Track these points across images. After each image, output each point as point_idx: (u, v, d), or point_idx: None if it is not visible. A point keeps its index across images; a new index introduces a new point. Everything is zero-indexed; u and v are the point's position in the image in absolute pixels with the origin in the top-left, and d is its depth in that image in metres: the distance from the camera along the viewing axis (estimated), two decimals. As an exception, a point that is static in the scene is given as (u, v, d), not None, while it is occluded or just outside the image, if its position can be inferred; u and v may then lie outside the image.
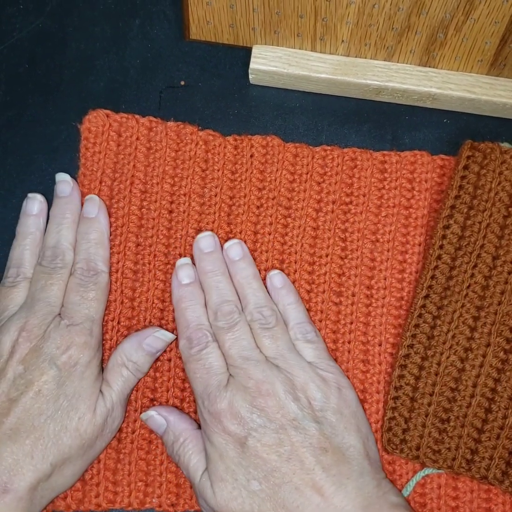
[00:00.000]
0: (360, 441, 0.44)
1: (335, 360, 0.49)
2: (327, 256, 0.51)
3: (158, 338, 0.47)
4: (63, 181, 0.50)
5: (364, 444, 0.45)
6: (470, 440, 0.47)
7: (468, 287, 0.48)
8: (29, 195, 0.50)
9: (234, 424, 0.43)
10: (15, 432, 0.42)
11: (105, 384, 0.46)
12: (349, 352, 0.50)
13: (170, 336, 0.47)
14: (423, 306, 0.48)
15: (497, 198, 0.49)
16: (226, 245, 0.49)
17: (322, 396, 0.45)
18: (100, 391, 0.45)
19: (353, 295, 0.50)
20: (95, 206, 0.49)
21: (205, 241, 0.49)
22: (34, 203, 0.49)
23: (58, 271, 0.47)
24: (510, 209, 0.49)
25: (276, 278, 0.49)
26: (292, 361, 0.45)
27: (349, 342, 0.50)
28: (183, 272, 0.48)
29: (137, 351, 0.47)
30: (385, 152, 0.52)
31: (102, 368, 0.47)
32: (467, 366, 0.47)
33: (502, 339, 0.47)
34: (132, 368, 0.46)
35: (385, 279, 0.50)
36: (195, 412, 0.48)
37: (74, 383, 0.44)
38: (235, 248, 0.49)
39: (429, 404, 0.47)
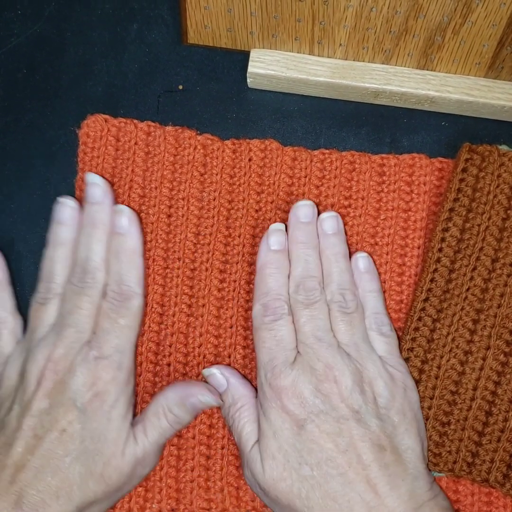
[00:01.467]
0: (419, 444, 0.44)
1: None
2: (326, 259, 0.51)
3: (202, 402, 0.45)
4: (94, 184, 0.47)
5: (422, 448, 0.44)
6: (471, 443, 0.47)
7: (467, 290, 0.48)
8: (60, 200, 0.47)
9: (295, 404, 0.42)
10: (40, 471, 0.41)
11: (141, 430, 0.44)
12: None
13: (213, 403, 0.45)
14: (423, 309, 0.48)
15: (496, 201, 0.49)
16: (322, 216, 0.47)
17: (388, 394, 0.43)
18: (134, 437, 0.43)
19: (353, 298, 0.50)
20: (126, 219, 0.46)
21: (304, 210, 0.47)
22: (65, 210, 0.47)
23: (87, 291, 0.44)
24: (508, 211, 0.49)
25: (362, 260, 0.47)
26: (364, 353, 0.44)
27: (348, 346, 0.50)
28: (275, 237, 0.47)
29: (180, 407, 0.44)
30: (383, 155, 0.52)
31: (132, 403, 0.45)
32: (467, 369, 0.47)
33: (502, 342, 0.47)
34: (171, 420, 0.44)
35: (384, 282, 0.50)
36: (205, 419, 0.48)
37: (100, 425, 0.42)
38: (330, 221, 0.47)
39: (429, 408, 0.47)
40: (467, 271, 0.48)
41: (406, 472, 0.42)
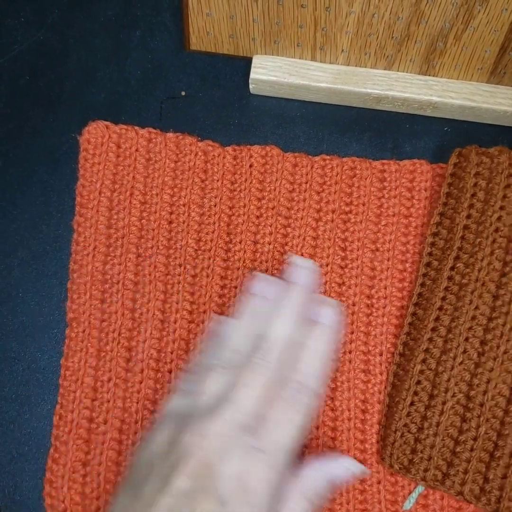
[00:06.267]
0: None
1: (336, 370, 0.49)
2: (327, 265, 0.51)
3: (349, 470, 0.41)
4: (303, 267, 0.45)
5: None
6: (446, 450, 0.46)
7: (443, 298, 0.48)
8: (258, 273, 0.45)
9: None
10: None
11: None
12: (350, 362, 0.49)
13: (365, 472, 0.42)
14: (414, 313, 0.48)
15: (475, 199, 0.48)
16: None
17: None
18: None
19: (354, 304, 0.50)
20: (333, 313, 0.44)
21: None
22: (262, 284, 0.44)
23: (264, 371, 0.39)
24: (485, 206, 0.48)
25: None
26: None
27: (349, 352, 0.50)
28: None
29: (324, 486, 0.40)
30: (384, 161, 0.52)
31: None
32: (440, 369, 0.46)
33: (476, 340, 0.46)
34: (316, 502, 0.40)
35: (385, 288, 0.50)
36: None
37: None
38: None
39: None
40: (445, 269, 0.48)
41: None
